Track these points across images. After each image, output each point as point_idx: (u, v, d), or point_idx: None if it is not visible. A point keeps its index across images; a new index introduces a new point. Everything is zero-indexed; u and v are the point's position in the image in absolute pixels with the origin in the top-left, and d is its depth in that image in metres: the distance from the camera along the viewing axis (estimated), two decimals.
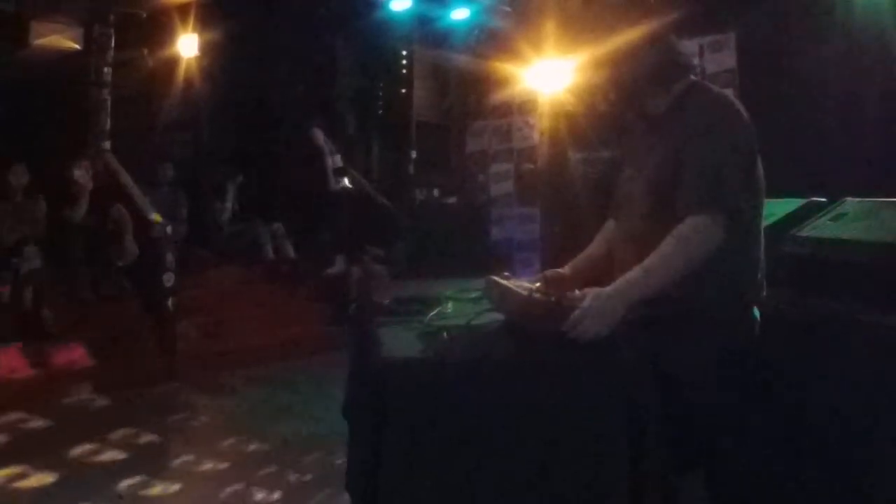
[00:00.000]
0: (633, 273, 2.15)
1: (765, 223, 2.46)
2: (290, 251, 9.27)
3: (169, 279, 7.33)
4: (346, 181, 9.78)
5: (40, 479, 4.33)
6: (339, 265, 9.07)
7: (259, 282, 8.87)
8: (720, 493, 2.35)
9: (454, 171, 10.83)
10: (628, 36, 2.35)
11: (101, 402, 5.91)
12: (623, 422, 1.99)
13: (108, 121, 8.52)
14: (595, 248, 2.71)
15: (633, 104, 2.49)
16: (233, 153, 9.91)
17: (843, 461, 2.50)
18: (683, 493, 2.19)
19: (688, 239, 2.16)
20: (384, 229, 9.67)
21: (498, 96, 9.44)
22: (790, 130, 5.41)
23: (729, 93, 2.49)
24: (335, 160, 9.75)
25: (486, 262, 8.15)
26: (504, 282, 2.39)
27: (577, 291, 2.15)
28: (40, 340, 6.45)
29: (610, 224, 2.69)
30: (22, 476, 4.36)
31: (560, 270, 2.66)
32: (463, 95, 10.76)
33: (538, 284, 2.43)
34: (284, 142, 10.27)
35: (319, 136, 9.71)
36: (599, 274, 2.48)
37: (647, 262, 2.16)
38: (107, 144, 8.47)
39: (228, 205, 9.49)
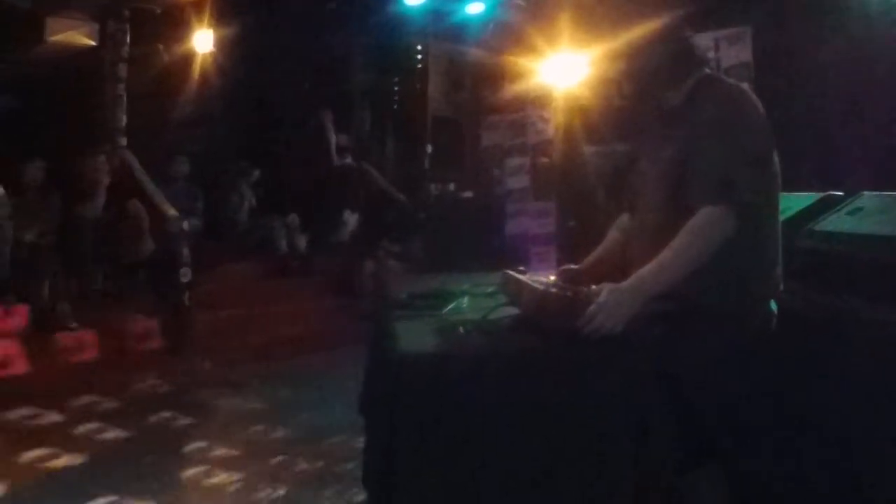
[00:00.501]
0: (648, 268, 2.15)
1: (780, 217, 2.44)
2: (303, 244, 9.29)
3: (185, 274, 7.37)
4: (349, 158, 9.96)
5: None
6: (349, 222, 9.26)
7: (271, 277, 8.90)
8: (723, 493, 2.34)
9: (469, 165, 10.80)
10: (642, 29, 2.35)
11: (110, 397, 5.94)
12: (628, 420, 1.99)
13: (124, 116, 8.56)
14: (609, 242, 2.71)
15: (647, 98, 2.48)
16: (247, 148, 9.94)
17: (854, 460, 2.49)
18: (683, 494, 2.19)
19: (699, 233, 2.16)
20: (399, 224, 9.70)
21: (512, 90, 9.38)
22: (807, 124, 5.37)
23: (745, 86, 2.47)
24: (340, 139, 9.93)
25: (501, 256, 8.10)
26: (520, 276, 2.39)
27: (592, 286, 2.15)
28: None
29: (624, 218, 2.68)
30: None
31: (575, 266, 2.66)
32: (478, 90, 10.72)
33: (554, 279, 2.43)
34: (297, 137, 10.31)
35: (327, 116, 9.88)
36: (614, 269, 2.48)
37: (660, 257, 2.15)
38: (122, 140, 8.51)
39: (245, 200, 9.52)
